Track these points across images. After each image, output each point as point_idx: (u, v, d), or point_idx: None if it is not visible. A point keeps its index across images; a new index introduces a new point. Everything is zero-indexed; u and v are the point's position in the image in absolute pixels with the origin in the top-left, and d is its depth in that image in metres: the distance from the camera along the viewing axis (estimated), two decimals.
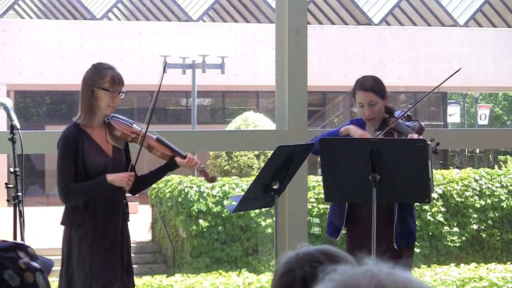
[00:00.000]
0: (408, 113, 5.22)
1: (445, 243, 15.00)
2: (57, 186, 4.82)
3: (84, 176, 4.81)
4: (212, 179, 5.09)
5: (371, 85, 5.16)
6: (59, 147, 4.87)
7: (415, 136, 4.94)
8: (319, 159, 5.13)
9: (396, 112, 5.25)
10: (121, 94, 4.85)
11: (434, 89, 5.29)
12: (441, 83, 5.10)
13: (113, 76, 4.82)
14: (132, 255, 5.04)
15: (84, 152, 4.82)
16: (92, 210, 4.81)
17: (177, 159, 4.97)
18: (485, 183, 15.12)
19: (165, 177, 15.52)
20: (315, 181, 14.62)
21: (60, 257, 4.90)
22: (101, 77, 4.81)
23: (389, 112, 5.21)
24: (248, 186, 5.13)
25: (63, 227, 4.91)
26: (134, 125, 4.95)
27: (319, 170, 11.98)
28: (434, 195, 14.63)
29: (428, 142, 4.78)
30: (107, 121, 4.92)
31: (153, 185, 15.87)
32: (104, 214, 4.82)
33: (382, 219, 4.98)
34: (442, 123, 27.74)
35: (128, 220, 4.97)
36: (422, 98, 5.37)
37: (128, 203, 5.00)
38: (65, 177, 4.80)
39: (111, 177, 4.80)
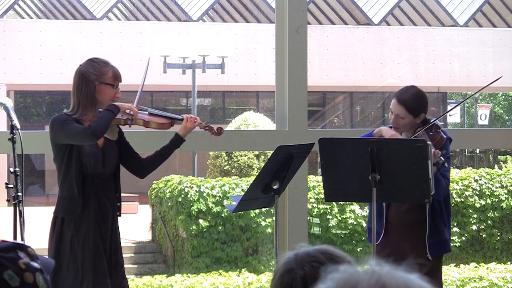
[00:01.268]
0: (438, 122, 5.03)
1: None
2: (79, 134, 4.70)
3: (79, 167, 4.77)
4: (219, 131, 5.03)
5: (405, 99, 4.98)
6: (58, 122, 4.77)
7: (432, 148, 4.84)
8: (319, 159, 5.10)
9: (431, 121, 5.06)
10: (119, 89, 4.88)
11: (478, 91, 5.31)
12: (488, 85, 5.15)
13: (114, 71, 4.84)
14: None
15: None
16: (87, 204, 4.76)
17: (178, 126, 4.93)
18: (485, 183, 15.11)
19: (165, 177, 15.55)
20: (315, 181, 14.61)
21: None
22: (103, 72, 4.80)
23: (425, 122, 5.03)
24: (248, 186, 5.12)
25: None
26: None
27: (319, 170, 11.97)
28: None
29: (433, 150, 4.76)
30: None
31: (153, 185, 15.87)
32: (98, 210, 4.78)
33: (415, 228, 4.98)
34: (442, 123, 27.68)
35: (120, 215, 4.91)
36: (456, 106, 5.23)
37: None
38: (78, 125, 4.73)
39: (119, 103, 4.82)
